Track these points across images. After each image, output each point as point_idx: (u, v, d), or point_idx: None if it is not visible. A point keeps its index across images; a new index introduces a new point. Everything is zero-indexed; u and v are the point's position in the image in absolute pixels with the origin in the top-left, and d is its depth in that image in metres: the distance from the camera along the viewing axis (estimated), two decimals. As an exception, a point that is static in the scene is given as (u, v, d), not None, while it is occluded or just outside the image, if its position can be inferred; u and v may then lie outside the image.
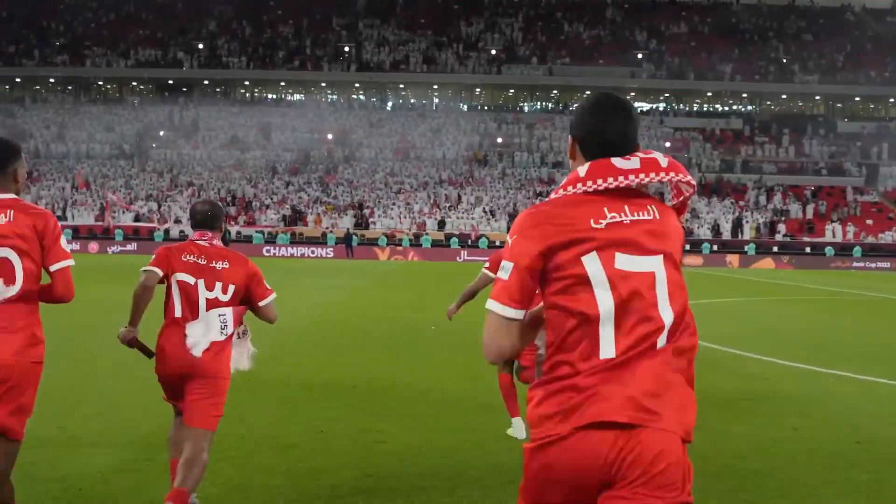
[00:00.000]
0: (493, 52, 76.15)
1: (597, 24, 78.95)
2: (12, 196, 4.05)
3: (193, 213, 4.97)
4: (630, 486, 2.31)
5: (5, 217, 3.95)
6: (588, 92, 74.16)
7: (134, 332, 4.77)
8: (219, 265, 4.78)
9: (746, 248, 53.70)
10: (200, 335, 4.66)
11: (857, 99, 76.72)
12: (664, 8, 79.86)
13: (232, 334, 4.78)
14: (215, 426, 4.73)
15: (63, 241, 4.08)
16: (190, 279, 4.72)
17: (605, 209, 2.49)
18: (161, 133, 69.90)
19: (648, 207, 2.55)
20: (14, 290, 3.91)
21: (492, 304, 2.47)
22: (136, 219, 56.08)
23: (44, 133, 69.33)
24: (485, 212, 57.20)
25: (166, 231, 53.69)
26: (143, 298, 4.76)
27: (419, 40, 76.77)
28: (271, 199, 58.91)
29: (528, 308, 2.49)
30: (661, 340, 2.43)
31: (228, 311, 4.75)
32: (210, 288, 4.73)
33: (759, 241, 54.81)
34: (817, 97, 76.88)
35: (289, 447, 6.60)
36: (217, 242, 4.90)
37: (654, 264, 2.47)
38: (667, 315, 2.44)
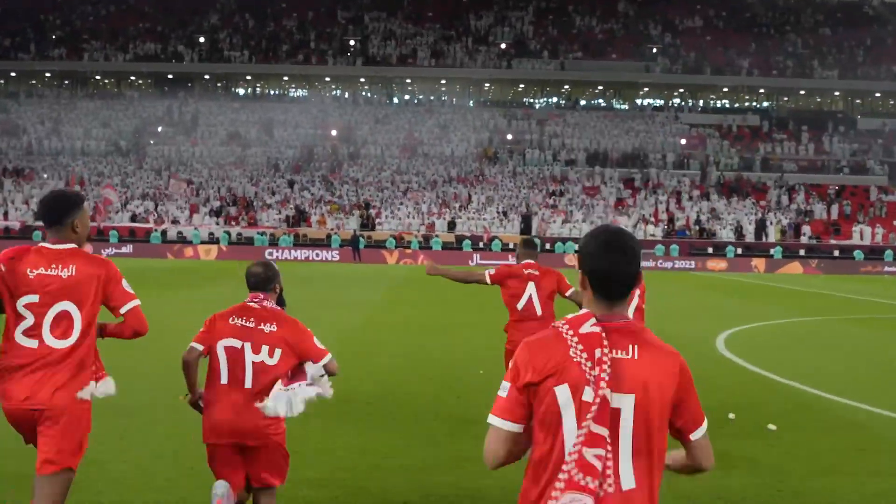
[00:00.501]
0: (503, 46, 73.23)
1: (609, 17, 75.98)
2: (73, 246, 4.32)
3: (248, 276, 4.94)
4: None
5: (68, 271, 4.23)
6: (601, 87, 71.94)
7: (195, 397, 4.88)
8: (266, 328, 4.74)
9: (773, 251, 50.81)
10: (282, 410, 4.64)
11: (878, 95, 73.80)
12: (678, 1, 76.78)
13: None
14: (283, 479, 4.85)
15: (125, 283, 4.37)
16: (237, 343, 4.72)
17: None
18: (159, 129, 67.05)
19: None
20: (70, 342, 4.20)
21: None
22: (133, 219, 53.27)
23: (38, 129, 66.47)
24: (497, 212, 54.34)
25: (163, 232, 50.86)
26: (190, 372, 4.85)
27: (427, 34, 73.86)
28: (273, 198, 56.08)
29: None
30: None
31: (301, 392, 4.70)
32: (256, 351, 4.70)
33: (786, 244, 51.92)
34: (836, 93, 73.97)
35: None
36: (269, 304, 4.87)
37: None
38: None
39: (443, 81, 73.17)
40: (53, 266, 4.22)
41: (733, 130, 68.79)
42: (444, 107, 71.07)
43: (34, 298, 4.18)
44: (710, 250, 51.45)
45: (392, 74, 71.73)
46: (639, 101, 73.82)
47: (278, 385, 4.65)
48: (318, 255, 48.56)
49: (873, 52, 73.27)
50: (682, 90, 73.78)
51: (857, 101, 74.85)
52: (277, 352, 4.67)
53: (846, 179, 62.23)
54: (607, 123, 68.81)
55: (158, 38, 72.40)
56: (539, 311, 7.41)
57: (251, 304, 4.82)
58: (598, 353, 2.61)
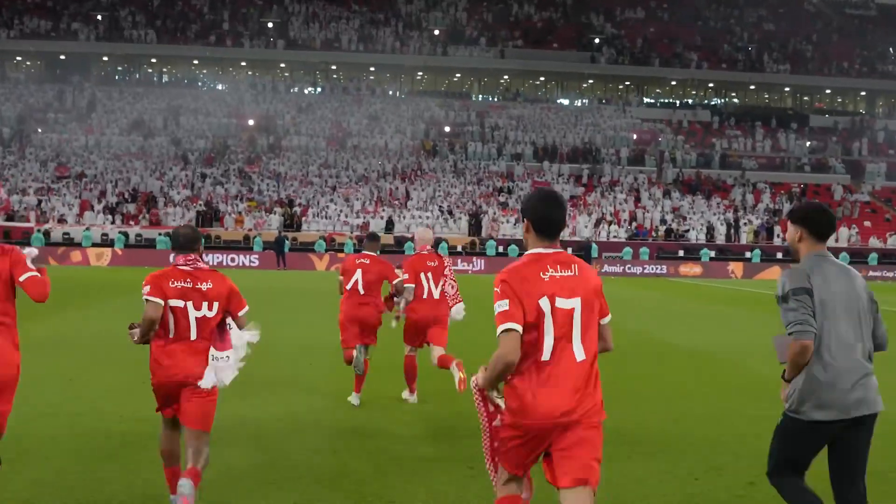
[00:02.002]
0: (436, 32, 65.91)
1: (548, 5, 69.40)
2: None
3: (178, 237, 5.35)
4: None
5: None
6: (542, 78, 65.21)
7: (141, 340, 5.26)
8: (204, 286, 5.18)
9: (750, 255, 44.72)
10: (230, 366, 5.23)
11: (828, 91, 69.29)
12: (619, -10, 70.66)
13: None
14: (210, 427, 5.22)
15: (28, 261, 5.01)
16: (180, 303, 5.12)
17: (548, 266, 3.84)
18: (49, 115, 57.38)
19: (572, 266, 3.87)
20: None
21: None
22: (10, 217, 43.96)
23: None
24: (441, 210, 46.89)
25: (46, 233, 41.77)
26: (153, 328, 5.17)
27: (353, 17, 65.95)
28: (181, 193, 47.41)
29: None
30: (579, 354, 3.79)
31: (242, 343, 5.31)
32: (198, 308, 5.15)
33: (760, 247, 45.95)
34: (786, 89, 69.11)
35: None
36: (200, 264, 5.26)
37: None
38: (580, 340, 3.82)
39: (372, 69, 65.41)
40: None
41: (684, 126, 63.01)
42: (373, 96, 63.27)
43: None
44: (681, 253, 45.04)
45: (316, 60, 63.58)
46: (584, 94, 67.49)
47: (211, 354, 5.17)
48: (234, 259, 40.28)
49: (820, 49, 68.75)
50: (628, 83, 67.79)
51: (806, 97, 70.18)
52: (216, 305, 5.19)
53: (808, 178, 56.93)
54: (552, 116, 62.18)
55: (49, 14, 62.58)
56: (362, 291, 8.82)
57: (184, 267, 5.21)
58: (550, 271, 3.80)
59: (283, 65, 64.92)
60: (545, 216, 3.86)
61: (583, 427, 3.71)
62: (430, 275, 8.66)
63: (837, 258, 4.31)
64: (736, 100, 69.63)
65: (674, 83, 67.39)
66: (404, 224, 45.11)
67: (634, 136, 59.95)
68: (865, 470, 4.29)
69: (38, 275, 4.98)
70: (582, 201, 50.08)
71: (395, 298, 8.78)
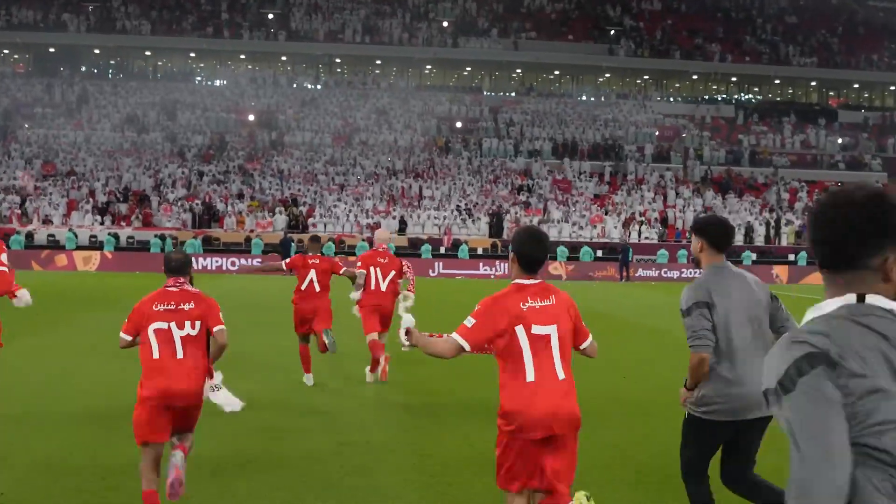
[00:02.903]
0: (445, 23, 62.09)
1: (560, -4, 65.67)
2: None
3: (170, 261, 5.68)
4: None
5: None
6: (557, 71, 61.49)
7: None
8: (186, 306, 5.51)
9: (794, 257, 40.98)
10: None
11: (856, 86, 65.60)
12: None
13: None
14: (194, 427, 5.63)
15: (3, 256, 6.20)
16: (164, 325, 5.43)
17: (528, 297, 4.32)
18: (35, 111, 53.46)
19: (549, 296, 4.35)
20: None
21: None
22: (-10, 218, 40.15)
23: None
24: (459, 210, 43.06)
25: (29, 235, 37.87)
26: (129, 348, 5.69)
27: (358, 7, 62.09)
28: (176, 192, 43.53)
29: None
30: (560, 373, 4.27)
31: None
32: (181, 327, 5.46)
33: (808, 249, 42.21)
34: (813, 83, 65.37)
35: None
36: (187, 287, 5.63)
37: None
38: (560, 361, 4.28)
39: (378, 62, 61.60)
40: None
41: (707, 121, 59.28)
42: (380, 90, 59.43)
43: None
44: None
45: (319, 52, 59.71)
46: (600, 88, 63.76)
47: (208, 386, 5.58)
48: (234, 263, 36.31)
49: (846, 42, 65.10)
50: (647, 77, 64.06)
51: (832, 92, 66.52)
52: (198, 324, 5.52)
53: (843, 175, 53.16)
54: (569, 111, 58.40)
55: (38, 4, 58.60)
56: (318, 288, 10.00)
57: (171, 288, 5.58)
58: (530, 301, 4.29)
59: (284, 58, 61.06)
60: (529, 253, 4.33)
61: (566, 437, 4.19)
62: (378, 270, 9.77)
63: None
64: (759, 94, 65.96)
65: (695, 77, 63.66)
66: (420, 224, 41.27)
67: (657, 133, 56.23)
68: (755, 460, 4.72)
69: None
70: (609, 201, 46.28)
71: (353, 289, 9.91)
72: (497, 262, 37.74)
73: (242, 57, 60.41)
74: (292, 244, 36.18)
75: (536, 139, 53.08)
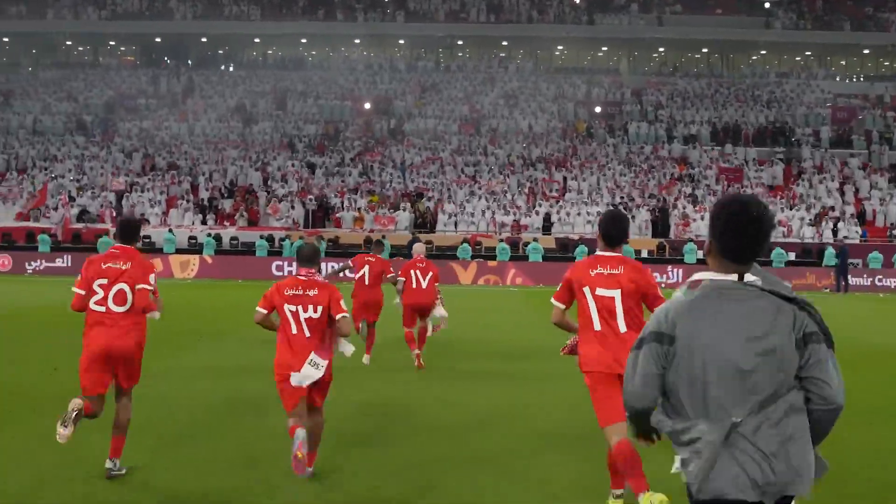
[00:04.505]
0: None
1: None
2: (131, 247, 6.30)
3: (301, 253, 6.40)
4: None
5: (124, 264, 6.11)
6: (705, 49, 53.08)
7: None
8: (310, 293, 6.16)
9: None
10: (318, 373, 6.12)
11: None
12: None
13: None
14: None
15: (151, 276, 6.17)
16: (293, 307, 6.15)
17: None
18: (139, 102, 48.74)
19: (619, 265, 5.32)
20: (124, 308, 6.08)
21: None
22: (81, 216, 34.99)
23: (-19, 102, 48.49)
24: (613, 205, 35.63)
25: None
26: (266, 324, 6.40)
27: (481, -15, 55.25)
28: (287, 187, 37.60)
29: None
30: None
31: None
32: (306, 310, 6.13)
33: None
34: None
35: None
36: (315, 276, 6.27)
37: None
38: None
39: (504, 43, 54.68)
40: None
41: (885, 101, 49.93)
42: (507, 73, 52.46)
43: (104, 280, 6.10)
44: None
45: (440, 33, 53.15)
46: (754, 66, 55.11)
47: (311, 357, 6.11)
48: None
49: None
50: (808, 53, 55.05)
51: None
52: (319, 308, 6.14)
53: None
54: (723, 92, 50.08)
55: (143, -8, 54.15)
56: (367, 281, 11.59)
57: (301, 277, 6.26)
58: (598, 269, 5.29)
59: (402, 41, 54.83)
60: (606, 231, 5.38)
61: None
62: (418, 272, 11.43)
63: None
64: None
65: (867, 51, 54.25)
66: (569, 223, 34.03)
67: (827, 114, 47.36)
68: None
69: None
70: (789, 193, 38.00)
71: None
72: (668, 268, 30.13)
73: (357, 41, 54.42)
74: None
75: (691, 123, 45.10)
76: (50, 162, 41.11)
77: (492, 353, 12.96)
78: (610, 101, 49.14)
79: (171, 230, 31.85)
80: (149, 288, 6.08)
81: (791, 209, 35.56)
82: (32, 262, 30.51)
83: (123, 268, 6.04)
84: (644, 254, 31.57)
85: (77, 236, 32.83)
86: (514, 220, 34.33)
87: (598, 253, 5.34)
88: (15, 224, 33.71)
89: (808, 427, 2.85)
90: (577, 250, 30.57)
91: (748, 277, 2.84)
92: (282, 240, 32.05)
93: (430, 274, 11.43)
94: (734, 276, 2.87)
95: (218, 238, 31.93)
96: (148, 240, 32.54)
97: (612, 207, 35.46)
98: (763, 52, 54.95)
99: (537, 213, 34.61)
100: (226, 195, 37.23)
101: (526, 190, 37.14)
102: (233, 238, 32.58)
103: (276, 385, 6.10)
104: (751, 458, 2.77)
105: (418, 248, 12.14)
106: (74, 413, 5.70)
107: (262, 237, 31.44)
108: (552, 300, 5.49)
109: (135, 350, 6.06)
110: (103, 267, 6.06)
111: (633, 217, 34.35)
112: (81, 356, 6.01)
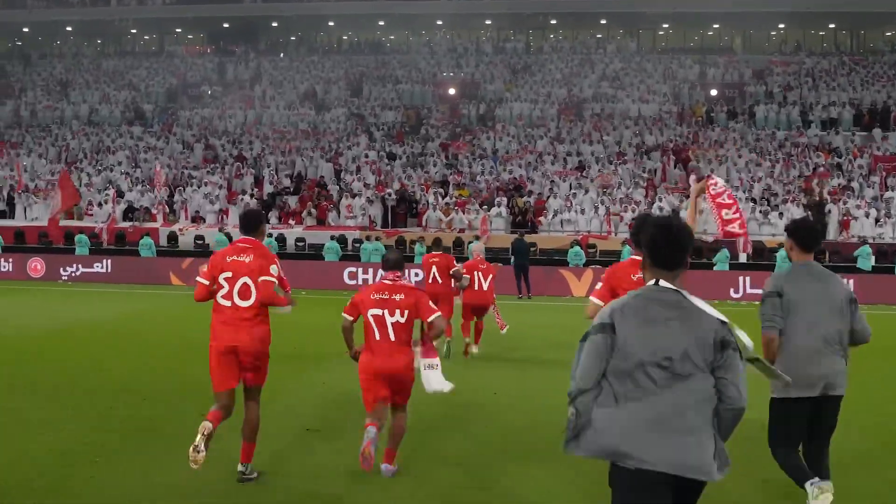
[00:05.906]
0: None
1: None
2: (255, 239, 6.10)
3: (387, 259, 6.32)
4: None
5: (247, 257, 5.89)
6: (833, 24, 44.92)
7: (353, 352, 6.30)
8: (397, 297, 6.07)
9: None
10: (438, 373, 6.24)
11: None
12: None
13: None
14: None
15: (272, 267, 5.89)
16: (379, 311, 6.05)
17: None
18: (203, 89, 44.04)
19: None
20: (249, 302, 5.85)
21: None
22: (128, 213, 30.07)
23: (36, 94, 44.38)
24: (753, 200, 29.05)
25: (170, 236, 27.46)
26: (348, 335, 6.27)
27: (575, -42, 48.87)
28: (363, 179, 32.01)
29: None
30: None
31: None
32: (392, 314, 6.03)
33: None
34: None
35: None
36: (402, 281, 6.19)
37: None
38: None
39: (602, 21, 48.29)
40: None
41: None
42: (606, 54, 46.06)
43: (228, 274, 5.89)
44: None
45: (529, 11, 47.05)
46: (889, 42, 47.50)
47: (421, 362, 6.18)
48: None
49: None
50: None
51: None
52: (406, 312, 6.04)
53: None
54: (860, 70, 42.74)
55: (210, -26, 49.39)
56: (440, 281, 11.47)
57: (386, 281, 6.16)
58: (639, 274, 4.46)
59: (488, 21, 48.94)
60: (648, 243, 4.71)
61: None
62: (480, 273, 11.87)
63: None
64: None
65: None
66: (703, 219, 27.57)
67: None
68: (829, 440, 5.07)
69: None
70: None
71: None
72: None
73: (439, 22, 48.73)
74: (528, 251, 23.57)
75: (830, 106, 38.02)
76: (103, 154, 36.51)
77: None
78: (727, 82, 42.35)
79: (222, 231, 26.43)
80: (272, 280, 5.91)
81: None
82: (68, 268, 25.63)
83: (246, 261, 5.91)
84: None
85: (121, 237, 27.85)
86: (633, 219, 28.01)
87: (633, 257, 5.65)
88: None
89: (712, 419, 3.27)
90: (716, 256, 24.18)
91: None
92: (356, 241, 26.48)
93: (491, 276, 12.02)
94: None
95: (281, 239, 26.52)
96: (201, 240, 27.39)
97: (753, 202, 28.89)
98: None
99: (660, 209, 28.25)
100: (291, 190, 31.89)
101: (645, 184, 30.75)
102: (298, 239, 27.12)
103: (360, 384, 6.18)
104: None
105: (478, 248, 12.80)
106: (205, 439, 5.53)
107: (332, 238, 25.84)
108: (591, 297, 5.71)
109: (258, 345, 5.87)
110: (228, 260, 5.95)
111: (780, 215, 27.70)
112: (209, 352, 5.91)
